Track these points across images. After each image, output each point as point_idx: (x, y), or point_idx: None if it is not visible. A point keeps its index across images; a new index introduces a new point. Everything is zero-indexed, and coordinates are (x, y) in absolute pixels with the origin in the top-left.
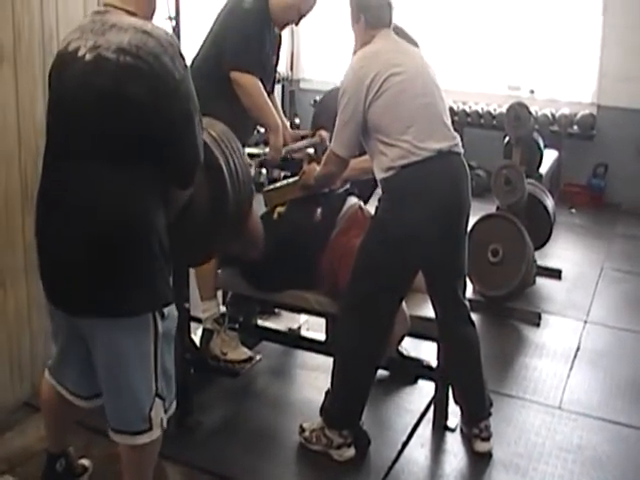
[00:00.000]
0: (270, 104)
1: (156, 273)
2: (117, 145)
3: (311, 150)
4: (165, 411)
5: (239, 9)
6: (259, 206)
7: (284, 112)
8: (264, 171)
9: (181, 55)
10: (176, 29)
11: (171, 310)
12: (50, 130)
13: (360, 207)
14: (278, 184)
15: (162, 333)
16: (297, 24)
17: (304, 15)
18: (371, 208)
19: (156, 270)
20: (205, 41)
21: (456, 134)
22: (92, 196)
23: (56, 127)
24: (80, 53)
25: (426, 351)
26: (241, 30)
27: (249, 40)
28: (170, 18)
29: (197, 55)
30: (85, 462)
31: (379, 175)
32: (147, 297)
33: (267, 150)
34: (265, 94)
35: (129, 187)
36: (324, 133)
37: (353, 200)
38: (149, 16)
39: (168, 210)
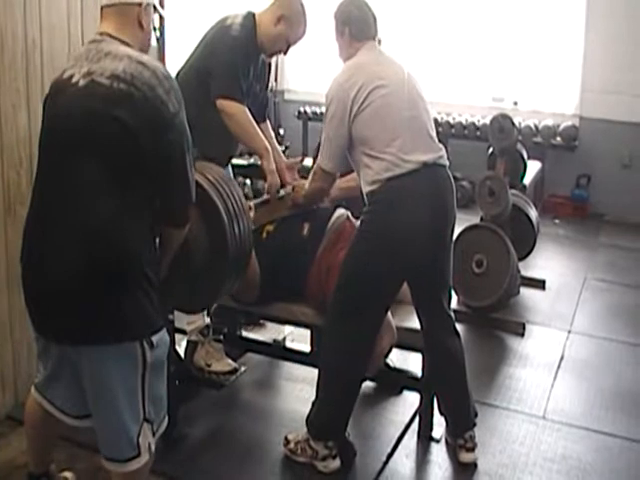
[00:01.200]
0: (257, 129)
1: (144, 302)
2: (107, 172)
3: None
4: (153, 434)
5: (227, 36)
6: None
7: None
8: (248, 182)
9: (177, 87)
10: (160, 41)
11: (161, 337)
12: (41, 156)
13: (348, 217)
14: (265, 198)
15: (151, 363)
16: (285, 53)
17: (292, 45)
18: None
19: (143, 298)
20: (188, 61)
21: (441, 146)
22: (81, 225)
23: (46, 153)
24: (74, 79)
25: (411, 362)
26: (228, 59)
27: (236, 69)
28: (154, 29)
29: (178, 73)
30: (68, 475)
31: (365, 188)
32: (133, 325)
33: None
34: (252, 120)
35: (119, 216)
36: None
37: (341, 211)
38: (145, 47)
39: (162, 248)
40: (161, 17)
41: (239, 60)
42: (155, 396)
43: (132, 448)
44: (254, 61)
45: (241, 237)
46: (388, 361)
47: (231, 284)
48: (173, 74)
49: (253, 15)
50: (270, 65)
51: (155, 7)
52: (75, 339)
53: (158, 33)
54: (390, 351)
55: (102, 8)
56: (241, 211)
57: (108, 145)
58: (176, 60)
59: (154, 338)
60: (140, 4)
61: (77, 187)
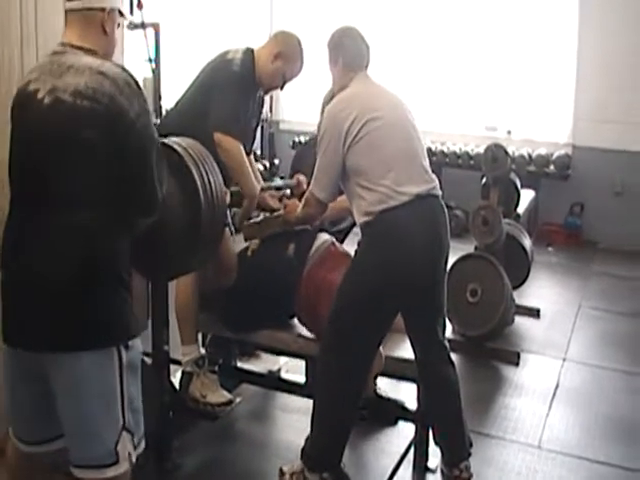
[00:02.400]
0: (250, 170)
1: (121, 306)
2: (76, 186)
3: (287, 191)
4: (134, 447)
5: (228, 70)
6: (239, 243)
7: (262, 155)
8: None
9: (140, 92)
10: (156, 71)
11: (135, 340)
12: (12, 170)
13: (332, 243)
14: (259, 218)
15: (127, 364)
16: (282, 89)
17: (289, 81)
18: (347, 247)
19: (121, 303)
20: (186, 93)
21: (434, 176)
22: (55, 234)
23: (18, 168)
24: (39, 95)
25: (405, 392)
26: (229, 94)
27: (236, 106)
28: (150, 60)
29: (176, 104)
30: None
31: (358, 219)
32: (112, 330)
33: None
34: (247, 160)
35: (91, 224)
36: (302, 177)
37: (324, 237)
38: (109, 53)
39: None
40: (123, 15)
41: (240, 96)
42: (133, 405)
43: (110, 455)
44: (253, 97)
45: (214, 205)
46: (380, 391)
47: (203, 254)
48: (169, 104)
49: (252, 51)
50: (264, 100)
51: (120, 11)
52: (52, 346)
53: (154, 64)
54: (377, 377)
55: (66, 13)
56: (216, 184)
57: (76, 164)
58: (172, 90)
59: (129, 341)
60: (104, 9)
61: (48, 200)
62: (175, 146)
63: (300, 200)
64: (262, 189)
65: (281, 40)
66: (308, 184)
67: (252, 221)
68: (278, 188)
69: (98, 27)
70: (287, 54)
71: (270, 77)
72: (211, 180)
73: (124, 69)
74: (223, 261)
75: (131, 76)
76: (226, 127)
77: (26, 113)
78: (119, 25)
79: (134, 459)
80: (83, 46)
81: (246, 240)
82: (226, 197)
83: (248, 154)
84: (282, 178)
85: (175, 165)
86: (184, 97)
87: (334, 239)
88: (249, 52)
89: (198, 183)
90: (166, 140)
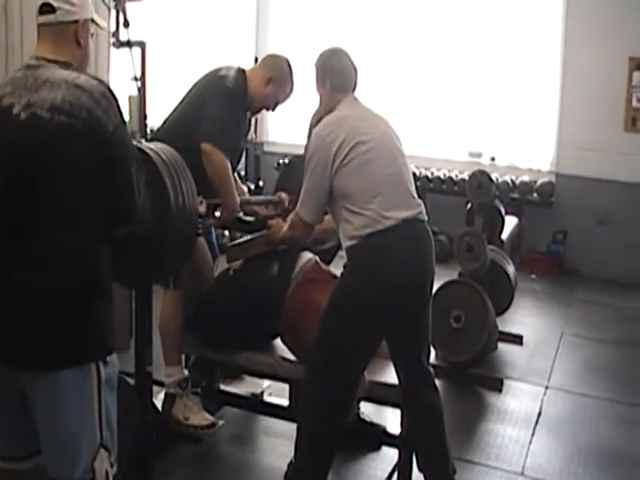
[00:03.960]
0: (234, 187)
1: (101, 322)
2: (56, 201)
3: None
4: (111, 465)
5: (221, 86)
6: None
7: (247, 177)
8: (227, 232)
9: (115, 104)
10: (141, 90)
11: (112, 356)
12: None
13: (316, 262)
14: (242, 239)
15: (105, 380)
16: (273, 110)
17: (281, 103)
18: (334, 268)
19: (101, 318)
20: (176, 109)
21: (420, 201)
22: (33, 251)
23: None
24: (15, 111)
25: (389, 417)
26: (222, 109)
27: (227, 120)
28: (135, 79)
29: (165, 120)
30: None
31: (344, 243)
32: (91, 347)
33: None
34: (232, 176)
35: (70, 238)
36: (284, 195)
37: (307, 256)
38: (84, 64)
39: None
40: (96, 24)
41: (232, 112)
42: (110, 419)
43: (87, 471)
44: (243, 116)
45: (185, 210)
46: (364, 416)
47: (175, 260)
48: (154, 122)
49: (244, 71)
50: (251, 121)
51: (93, 20)
52: (33, 364)
53: (139, 83)
54: (360, 401)
55: (38, 26)
56: (188, 190)
57: (56, 179)
58: (158, 108)
59: (107, 357)
60: (77, 21)
61: (26, 215)
62: (147, 150)
63: (284, 219)
64: (242, 203)
65: (272, 64)
66: (290, 202)
67: (235, 242)
68: (259, 203)
69: (71, 39)
70: (278, 79)
71: (262, 99)
72: (183, 186)
73: (100, 81)
74: (197, 269)
75: (107, 88)
76: (215, 139)
77: (2, 129)
78: (93, 35)
79: (111, 477)
80: (57, 59)
81: (229, 262)
82: (201, 207)
83: (233, 170)
84: (257, 187)
85: (146, 169)
86: (174, 112)
87: (317, 258)
88: (241, 72)
89: (169, 186)
90: (139, 145)
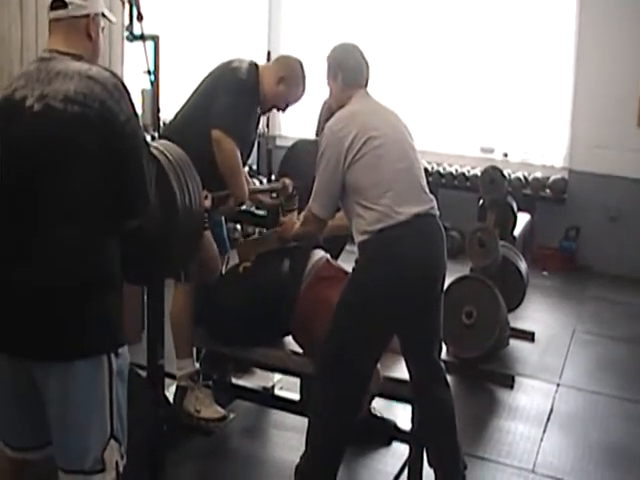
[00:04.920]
0: (244, 177)
1: (112, 313)
2: (69, 193)
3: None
4: (122, 456)
5: (233, 77)
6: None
7: (259, 171)
8: (238, 226)
9: (127, 95)
10: (154, 83)
11: (124, 348)
12: (2, 181)
13: (327, 260)
14: (254, 237)
15: (116, 371)
16: (284, 111)
17: (291, 105)
18: (342, 263)
19: (112, 310)
20: (188, 101)
21: (432, 196)
22: (46, 243)
23: (8, 179)
24: (28, 103)
25: (399, 412)
26: (233, 98)
27: (239, 109)
28: (149, 72)
29: (177, 113)
30: None
31: (357, 238)
32: (104, 339)
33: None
34: (241, 163)
35: (83, 230)
36: (287, 180)
37: (319, 254)
38: (95, 57)
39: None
40: (107, 18)
41: (244, 102)
42: (120, 410)
43: (97, 462)
44: (254, 109)
45: (192, 209)
46: (375, 411)
47: (183, 255)
48: (167, 116)
49: (256, 65)
50: (260, 117)
51: (104, 14)
52: (45, 355)
53: (153, 76)
54: (373, 398)
55: (50, 21)
56: (194, 189)
57: (69, 170)
58: (171, 102)
59: (119, 349)
60: (88, 15)
61: (40, 211)
62: (153, 150)
63: (299, 212)
64: (250, 192)
65: (284, 65)
66: (295, 188)
67: (247, 240)
68: (263, 191)
69: (82, 33)
70: (290, 80)
71: (273, 97)
72: (189, 185)
73: (112, 73)
74: (204, 262)
75: (119, 79)
76: (226, 126)
77: (14, 121)
78: (103, 29)
79: (121, 468)
80: (69, 52)
81: (241, 259)
82: (206, 201)
83: (243, 166)
84: (269, 181)
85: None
86: (186, 104)
87: (329, 256)
88: (254, 65)
89: (175, 187)
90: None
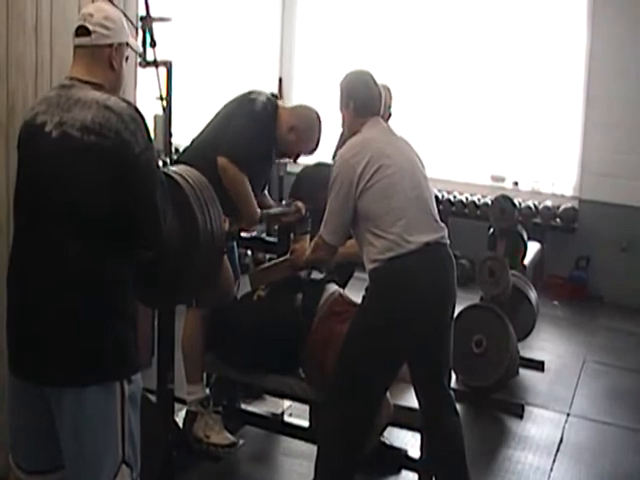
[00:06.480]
0: (253, 198)
1: (125, 340)
2: (83, 221)
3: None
4: None
5: (249, 108)
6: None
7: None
8: (249, 252)
9: (144, 127)
10: (167, 109)
11: (137, 375)
12: (18, 204)
13: (340, 294)
14: (266, 265)
15: (129, 396)
16: (295, 160)
17: (302, 155)
18: (349, 293)
19: (125, 337)
20: (204, 130)
21: (443, 225)
22: (60, 269)
23: (24, 201)
24: (47, 128)
25: (409, 441)
26: (244, 127)
27: (250, 140)
28: (161, 98)
29: (193, 141)
30: None
31: (367, 265)
32: (116, 365)
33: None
34: (249, 188)
35: (97, 259)
36: (299, 203)
37: (333, 288)
38: (117, 87)
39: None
40: (131, 48)
41: (256, 133)
42: (132, 435)
43: None
44: (268, 143)
45: (213, 233)
46: (384, 439)
47: (203, 283)
48: (180, 142)
49: (276, 100)
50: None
51: (128, 44)
52: (59, 381)
53: (165, 102)
54: (385, 428)
55: (74, 48)
56: (215, 212)
57: (82, 198)
58: (183, 128)
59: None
60: (111, 45)
61: (54, 236)
62: (173, 174)
63: (303, 236)
64: (263, 217)
65: (299, 114)
66: (307, 210)
67: (259, 268)
68: (277, 215)
69: (105, 62)
70: (302, 131)
71: (283, 143)
72: (210, 209)
73: (129, 103)
74: (220, 285)
75: (137, 111)
76: (232, 155)
77: (33, 146)
78: (127, 58)
79: None
80: (90, 80)
81: (253, 288)
82: (225, 225)
83: (256, 193)
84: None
85: (173, 194)
86: (202, 133)
87: (342, 290)
88: (273, 100)
89: (197, 212)
90: (165, 169)
